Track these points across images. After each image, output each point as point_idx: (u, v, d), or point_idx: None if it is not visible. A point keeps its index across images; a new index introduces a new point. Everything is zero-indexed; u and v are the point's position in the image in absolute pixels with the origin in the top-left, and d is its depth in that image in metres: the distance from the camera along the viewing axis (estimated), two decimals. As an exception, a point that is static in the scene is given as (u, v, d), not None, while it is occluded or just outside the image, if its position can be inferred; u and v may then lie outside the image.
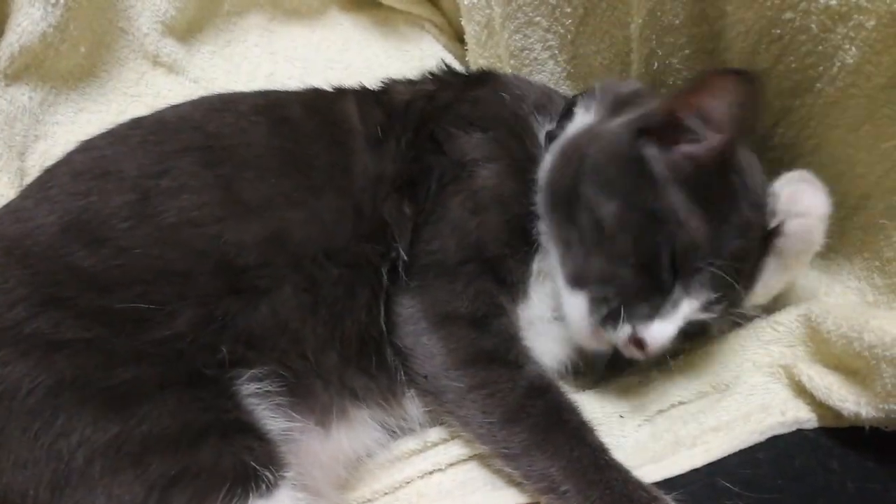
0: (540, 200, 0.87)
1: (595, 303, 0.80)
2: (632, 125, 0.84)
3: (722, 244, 0.78)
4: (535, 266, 0.87)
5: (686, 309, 0.79)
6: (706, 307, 0.80)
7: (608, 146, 0.84)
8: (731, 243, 0.79)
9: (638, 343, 0.79)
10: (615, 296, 0.79)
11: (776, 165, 0.91)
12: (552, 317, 0.88)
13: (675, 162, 0.80)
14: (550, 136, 0.92)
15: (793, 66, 0.90)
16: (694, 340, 0.88)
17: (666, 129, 0.80)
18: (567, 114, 0.93)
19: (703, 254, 0.77)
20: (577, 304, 0.82)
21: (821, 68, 0.87)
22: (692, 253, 0.77)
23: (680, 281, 0.78)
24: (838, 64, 0.85)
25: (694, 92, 0.79)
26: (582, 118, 0.92)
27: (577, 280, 0.82)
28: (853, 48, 0.83)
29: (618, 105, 0.90)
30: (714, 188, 0.79)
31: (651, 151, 0.81)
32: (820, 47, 0.86)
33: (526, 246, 0.86)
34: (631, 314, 0.78)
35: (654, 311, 0.78)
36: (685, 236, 0.77)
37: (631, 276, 0.79)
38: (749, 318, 0.91)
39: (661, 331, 0.78)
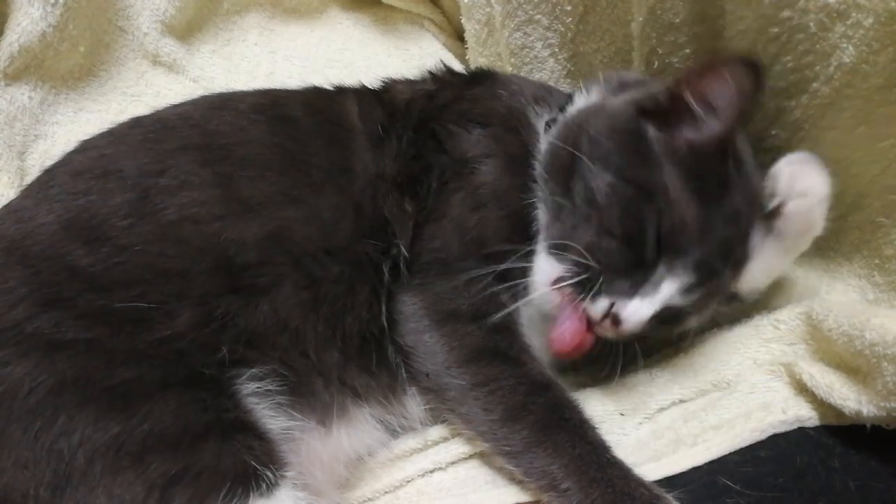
0: (539, 170, 0.88)
1: (574, 272, 0.80)
2: (635, 103, 0.84)
3: (710, 230, 0.78)
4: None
5: (666, 290, 0.78)
6: (686, 292, 0.79)
7: (609, 120, 0.85)
8: (720, 231, 0.79)
9: (614, 319, 0.78)
10: (597, 268, 0.79)
11: (769, 167, 0.90)
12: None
13: (673, 144, 0.80)
14: (550, 124, 0.92)
15: (789, 65, 0.90)
16: (668, 327, 0.86)
17: (668, 111, 0.81)
18: (568, 101, 0.94)
19: (689, 236, 0.77)
20: (548, 267, 0.82)
21: (817, 68, 0.87)
22: (679, 234, 0.77)
23: (664, 261, 0.78)
24: (835, 63, 0.85)
25: (700, 76, 0.79)
26: (584, 100, 0.92)
27: (559, 247, 0.82)
28: (850, 47, 0.83)
29: (622, 86, 0.91)
30: (709, 174, 0.79)
31: (651, 131, 0.81)
32: (817, 46, 0.86)
33: (527, 240, 0.86)
34: (610, 289, 0.78)
35: (634, 289, 0.78)
36: (674, 216, 0.77)
37: (615, 249, 0.78)
38: (745, 304, 0.91)
39: (638, 309, 0.77)
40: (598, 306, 0.79)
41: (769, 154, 0.93)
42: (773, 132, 0.96)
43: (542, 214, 0.86)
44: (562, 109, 0.93)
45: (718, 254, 0.79)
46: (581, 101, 0.92)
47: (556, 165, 0.86)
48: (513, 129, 0.92)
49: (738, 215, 0.80)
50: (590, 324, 0.81)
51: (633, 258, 0.78)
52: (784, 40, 0.89)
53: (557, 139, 0.87)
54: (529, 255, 0.86)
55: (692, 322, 0.87)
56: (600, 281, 0.78)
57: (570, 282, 0.79)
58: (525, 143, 0.91)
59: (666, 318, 0.81)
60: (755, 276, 0.87)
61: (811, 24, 0.85)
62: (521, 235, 0.86)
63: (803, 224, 0.87)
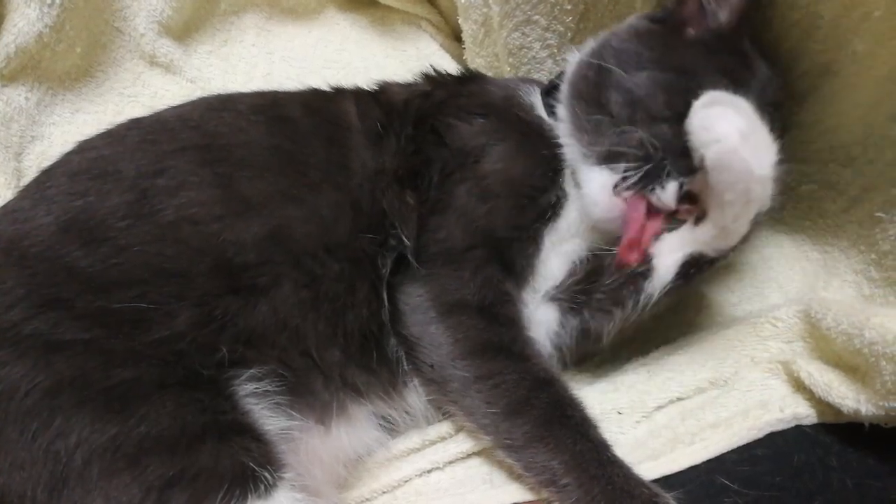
0: (564, 102, 0.90)
1: (633, 170, 0.80)
2: (646, 16, 0.91)
3: (748, 96, 0.78)
4: (546, 240, 0.88)
5: None
6: None
7: (629, 32, 0.90)
8: (763, 91, 0.82)
9: (691, 198, 0.79)
10: (654, 158, 0.79)
11: (800, 143, 0.92)
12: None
13: (691, 36, 0.86)
14: (548, 92, 0.95)
15: (812, 48, 0.92)
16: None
17: (677, 14, 0.86)
18: (562, 74, 0.96)
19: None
20: (601, 177, 0.83)
21: (836, 53, 0.89)
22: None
23: None
24: (850, 50, 0.87)
25: None
26: (584, 51, 0.94)
27: (610, 155, 0.82)
28: (862, 37, 0.84)
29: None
30: (731, 54, 0.83)
31: (668, 29, 0.87)
32: (833, 33, 0.87)
33: (537, 222, 0.87)
34: (676, 170, 0.79)
35: (694, 170, 0.78)
36: (714, 87, 0.78)
37: (670, 131, 0.79)
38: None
39: None
40: (669, 190, 0.79)
41: (801, 130, 0.94)
42: (806, 106, 0.96)
43: (569, 140, 0.89)
44: (556, 80, 0.96)
45: (769, 108, 0.80)
46: (581, 54, 0.95)
47: (584, 88, 0.89)
48: (511, 112, 0.94)
49: (765, 90, 0.83)
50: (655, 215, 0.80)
51: (684, 141, 0.77)
52: (805, 26, 0.91)
53: (579, 65, 0.91)
54: (538, 237, 0.87)
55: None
56: (666, 166, 0.79)
57: (635, 177, 0.79)
58: (526, 120, 0.93)
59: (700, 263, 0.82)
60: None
61: (825, 12, 0.87)
62: (533, 217, 0.87)
63: (728, 175, 0.74)
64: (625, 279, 0.86)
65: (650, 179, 0.80)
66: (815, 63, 0.92)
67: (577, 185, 0.88)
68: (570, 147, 0.90)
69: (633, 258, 0.80)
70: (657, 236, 0.82)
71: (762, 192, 0.76)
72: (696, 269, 0.85)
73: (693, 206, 0.80)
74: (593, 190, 0.84)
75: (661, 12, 0.91)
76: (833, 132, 0.92)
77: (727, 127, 0.72)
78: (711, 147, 0.73)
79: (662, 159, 0.79)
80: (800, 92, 0.95)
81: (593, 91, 0.87)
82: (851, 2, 0.83)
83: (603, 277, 0.88)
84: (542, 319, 0.89)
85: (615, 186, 0.82)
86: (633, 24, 0.92)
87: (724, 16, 0.84)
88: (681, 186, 0.79)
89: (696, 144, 0.75)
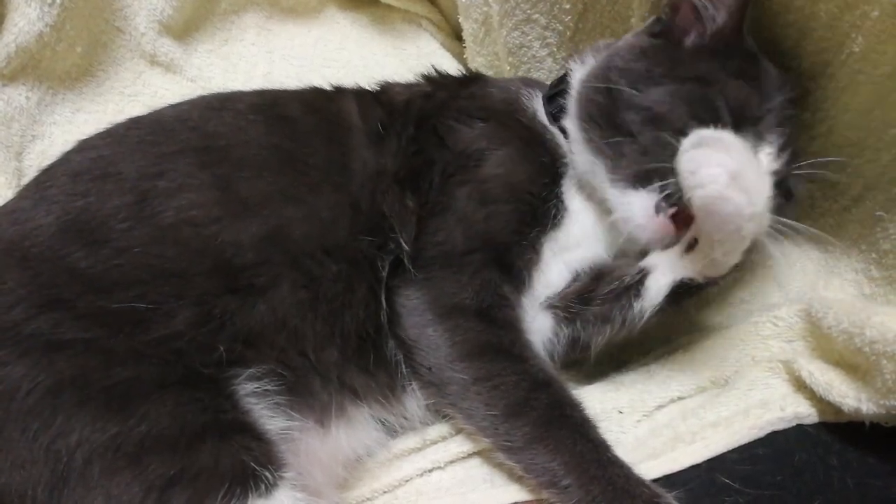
0: (573, 126, 0.90)
1: (664, 188, 0.78)
2: (644, 30, 0.89)
3: (767, 92, 0.81)
4: (545, 248, 0.87)
5: (764, 157, 0.80)
6: (780, 154, 0.82)
7: (632, 49, 0.89)
8: (776, 92, 0.83)
9: (685, 219, 0.78)
10: None
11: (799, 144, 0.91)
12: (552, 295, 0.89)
13: (694, 45, 0.85)
14: (549, 99, 0.95)
15: (809, 49, 0.91)
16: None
17: (674, 24, 0.86)
18: (562, 78, 0.96)
19: (757, 101, 0.80)
20: (640, 200, 0.80)
21: (832, 54, 0.88)
22: (747, 104, 0.80)
23: (747, 133, 0.79)
24: (847, 51, 0.86)
25: None
26: (584, 68, 0.94)
27: (641, 177, 0.80)
28: (860, 37, 0.84)
29: (607, 47, 0.95)
30: (738, 57, 0.84)
31: (671, 43, 0.86)
32: (830, 34, 0.87)
33: (537, 228, 0.87)
34: None
35: None
36: (737, 91, 0.80)
37: None
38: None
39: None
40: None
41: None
42: (798, 111, 0.95)
43: (592, 166, 0.87)
44: (556, 86, 0.95)
45: (782, 121, 0.82)
46: (581, 69, 0.94)
47: (596, 112, 0.87)
48: (512, 118, 0.93)
49: (778, 88, 0.84)
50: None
51: None
52: (800, 27, 0.90)
53: (585, 88, 0.90)
54: (537, 243, 0.87)
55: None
56: None
57: (673, 189, 0.76)
58: (527, 126, 0.92)
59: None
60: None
61: (822, 13, 0.86)
62: (533, 222, 0.87)
63: (716, 218, 0.74)
64: (617, 295, 0.86)
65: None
66: (810, 64, 0.91)
67: (606, 208, 0.86)
68: (589, 172, 0.88)
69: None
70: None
71: (755, 227, 0.74)
72: (686, 293, 0.86)
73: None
74: (636, 215, 0.81)
75: (657, 25, 0.89)
76: (831, 133, 0.92)
77: (714, 171, 0.71)
78: (697, 192, 0.72)
79: None
80: (802, 91, 0.94)
81: (606, 114, 0.85)
82: (849, 2, 0.83)
83: (598, 290, 0.88)
84: (538, 328, 0.89)
85: (657, 207, 0.80)
86: (634, 42, 0.90)
87: (721, 17, 0.83)
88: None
89: (684, 187, 0.74)
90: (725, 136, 0.74)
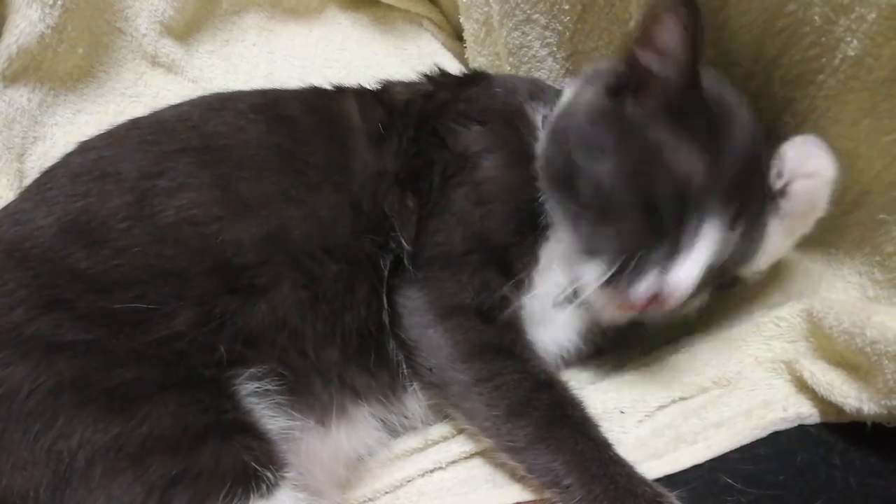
0: (542, 182, 0.88)
1: (610, 264, 0.79)
2: (602, 86, 0.86)
3: (720, 166, 0.77)
4: (542, 253, 0.87)
5: (705, 245, 0.77)
6: (726, 239, 0.78)
7: (586, 113, 0.86)
8: (732, 165, 0.78)
9: (662, 292, 0.76)
10: (631, 252, 0.78)
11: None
12: (558, 302, 0.88)
13: (650, 104, 0.81)
14: (546, 121, 0.93)
15: (796, 58, 0.90)
16: (724, 290, 0.89)
17: (631, 79, 0.82)
18: (559, 97, 0.95)
19: (702, 181, 0.77)
20: (591, 271, 0.81)
21: (823, 60, 0.87)
22: (691, 183, 0.77)
23: (691, 216, 0.77)
24: (840, 56, 0.85)
25: (643, 31, 0.80)
26: (567, 97, 0.93)
27: (590, 249, 0.81)
28: (855, 41, 0.83)
29: (592, 78, 0.91)
30: (694, 116, 0.79)
31: (628, 103, 0.82)
32: (822, 39, 0.86)
33: (532, 234, 0.86)
34: (650, 264, 0.77)
35: (673, 257, 0.77)
36: (680, 169, 0.77)
37: (641, 227, 0.78)
38: (745, 287, 0.92)
39: (685, 273, 0.76)
40: (644, 285, 0.77)
41: (779, 143, 0.93)
42: (784, 121, 0.96)
43: (557, 218, 0.86)
44: (556, 104, 0.93)
45: (740, 186, 0.78)
46: (566, 98, 0.93)
47: (555, 172, 0.86)
48: (511, 126, 0.92)
49: (746, 149, 0.80)
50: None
51: (662, 228, 0.77)
52: (789, 34, 0.89)
53: (549, 150, 0.88)
54: (534, 247, 0.86)
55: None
56: (639, 261, 0.77)
57: (616, 275, 0.78)
58: (525, 139, 0.91)
59: (716, 279, 0.82)
60: (758, 255, 0.88)
61: (816, 17, 0.85)
62: (527, 228, 0.86)
63: (808, 205, 0.87)
64: None
65: (626, 274, 0.78)
66: (800, 70, 0.91)
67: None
68: (552, 212, 0.87)
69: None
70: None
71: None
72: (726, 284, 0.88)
73: (665, 299, 0.77)
74: (588, 284, 0.82)
75: (615, 79, 0.84)
76: (823, 138, 0.92)
77: (822, 161, 0.85)
78: (805, 181, 0.85)
79: (634, 256, 0.77)
80: (783, 100, 0.94)
81: (564, 177, 0.84)
82: (845, 5, 0.82)
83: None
84: (561, 324, 0.88)
85: (605, 280, 0.80)
86: (589, 103, 0.87)
87: (674, 74, 0.79)
88: (657, 279, 0.76)
89: (788, 172, 0.85)
90: (811, 138, 0.87)
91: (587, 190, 0.81)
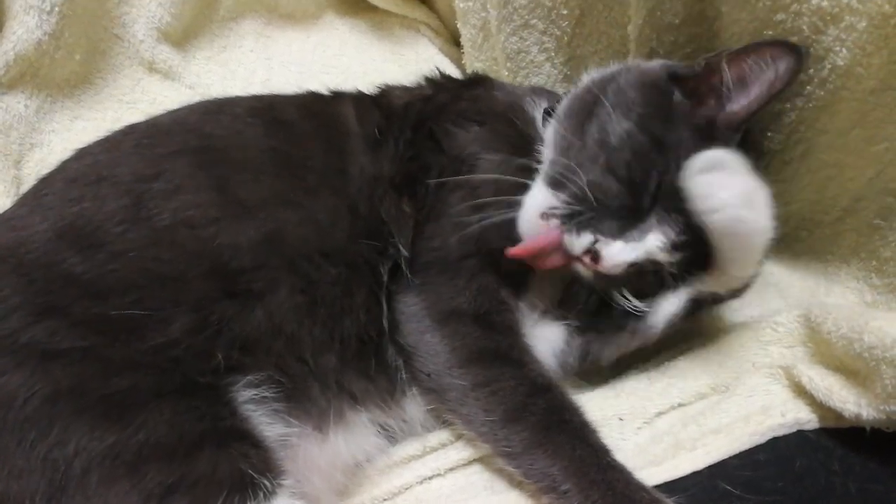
0: (556, 118, 0.89)
1: (567, 205, 0.80)
2: (668, 67, 0.86)
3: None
4: None
5: (651, 241, 0.77)
6: (670, 250, 0.78)
7: (641, 76, 0.86)
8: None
9: (594, 256, 0.78)
10: (592, 204, 0.79)
11: (764, 172, 0.90)
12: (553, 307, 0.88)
13: (695, 112, 0.81)
14: (548, 112, 0.93)
15: None
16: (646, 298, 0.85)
17: (699, 82, 0.82)
18: (559, 101, 0.95)
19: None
20: (542, 197, 0.82)
21: (812, 71, 0.87)
22: (679, 190, 0.77)
23: (657, 212, 0.78)
24: (829, 66, 0.85)
25: (743, 52, 0.79)
26: (597, 73, 0.93)
27: (559, 181, 0.82)
28: (844, 50, 0.83)
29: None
30: (716, 144, 0.78)
31: (677, 95, 0.82)
32: (811, 49, 0.85)
33: None
34: (598, 227, 0.78)
35: (622, 232, 0.78)
36: (675, 170, 0.77)
37: (616, 190, 0.79)
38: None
39: (620, 251, 0.77)
40: (583, 240, 0.78)
41: (765, 157, 0.93)
42: (769, 135, 0.96)
43: (546, 151, 0.87)
44: (559, 100, 0.94)
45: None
46: (597, 72, 0.93)
47: (577, 108, 0.87)
48: (510, 123, 0.93)
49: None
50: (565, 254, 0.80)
51: (628, 203, 0.78)
52: None
53: (587, 87, 0.89)
54: None
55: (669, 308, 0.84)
56: (591, 217, 0.79)
57: (562, 212, 0.80)
58: (524, 134, 0.92)
59: (642, 285, 0.81)
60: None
61: (804, 27, 0.85)
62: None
63: (735, 239, 0.76)
64: (626, 311, 0.85)
65: (571, 221, 0.79)
66: None
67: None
68: (546, 147, 0.88)
69: (525, 251, 0.81)
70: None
71: (767, 240, 0.77)
72: (706, 305, 0.86)
73: (593, 263, 0.78)
74: (528, 205, 0.83)
75: (687, 70, 0.84)
76: (806, 156, 0.91)
77: (727, 195, 0.73)
78: (713, 216, 0.74)
79: (593, 210, 0.79)
80: (771, 112, 0.94)
81: (582, 115, 0.86)
82: (834, 15, 0.82)
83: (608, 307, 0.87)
84: (549, 336, 0.89)
85: (546, 211, 0.81)
86: (649, 70, 0.87)
87: (742, 103, 0.79)
88: (594, 242, 0.78)
89: (698, 210, 0.75)
90: (727, 157, 0.75)
91: (594, 133, 0.82)
